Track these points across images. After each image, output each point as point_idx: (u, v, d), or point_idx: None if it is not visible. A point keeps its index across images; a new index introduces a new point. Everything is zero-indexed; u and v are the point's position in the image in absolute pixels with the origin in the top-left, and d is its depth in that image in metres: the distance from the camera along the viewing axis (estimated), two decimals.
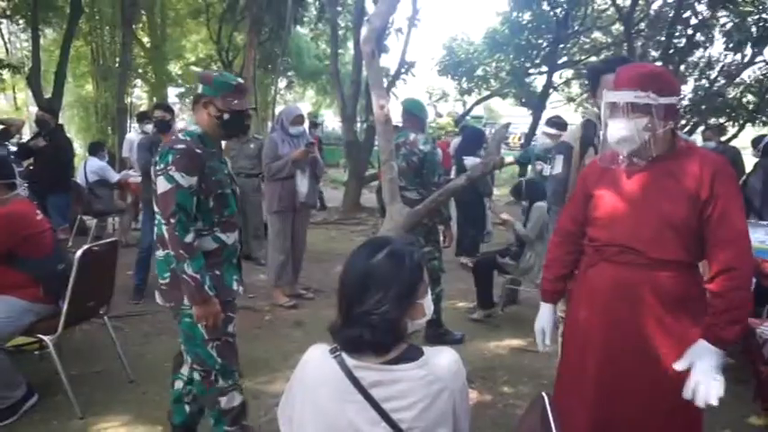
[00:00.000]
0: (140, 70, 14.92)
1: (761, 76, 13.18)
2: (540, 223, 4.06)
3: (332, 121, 21.96)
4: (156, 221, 2.06)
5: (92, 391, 3.00)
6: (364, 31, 3.82)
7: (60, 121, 6.72)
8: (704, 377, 1.57)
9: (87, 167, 6.46)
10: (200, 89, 2.14)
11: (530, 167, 4.83)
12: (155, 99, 14.09)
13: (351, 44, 15.98)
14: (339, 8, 12.02)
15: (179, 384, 2.42)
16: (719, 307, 1.60)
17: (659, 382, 1.70)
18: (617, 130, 1.70)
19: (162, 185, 2.00)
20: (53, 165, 5.50)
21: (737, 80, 12.71)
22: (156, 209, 2.05)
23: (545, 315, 2.04)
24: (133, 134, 8.03)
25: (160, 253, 2.10)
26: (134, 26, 11.90)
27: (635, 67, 1.82)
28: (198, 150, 2.05)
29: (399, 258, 1.24)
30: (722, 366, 1.61)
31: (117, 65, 12.01)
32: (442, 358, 1.23)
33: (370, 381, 1.19)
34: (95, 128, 13.76)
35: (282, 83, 18.29)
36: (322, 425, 1.22)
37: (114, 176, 6.62)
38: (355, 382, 1.19)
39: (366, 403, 1.18)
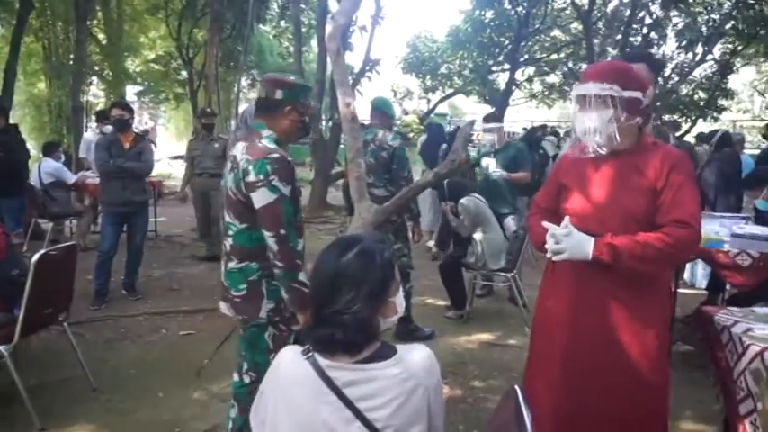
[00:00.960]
0: (96, 67, 14.43)
1: (711, 74, 13.73)
2: (471, 216, 4.27)
3: None
4: (234, 232, 1.99)
5: (52, 401, 2.89)
6: (329, 28, 3.79)
7: (12, 121, 6.44)
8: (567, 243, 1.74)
9: (42, 169, 6.20)
10: (278, 95, 2.03)
11: (477, 169, 4.93)
12: (112, 97, 13.65)
13: (314, 42, 15.85)
14: (302, 5, 11.92)
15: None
16: (648, 239, 1.68)
17: (623, 368, 1.75)
18: (583, 121, 1.76)
19: (265, 197, 1.89)
20: (5, 167, 5.26)
21: (689, 78, 13.20)
22: (229, 219, 1.99)
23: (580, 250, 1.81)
24: (90, 134, 7.78)
25: (234, 264, 2.01)
26: (89, 22, 11.48)
27: (604, 62, 1.88)
28: (289, 158, 1.98)
29: (370, 256, 1.24)
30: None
31: (71, 62, 11.59)
32: (416, 355, 1.23)
33: (343, 380, 1.18)
34: (49, 128, 13.25)
35: (245, 81, 17.98)
36: (296, 426, 1.20)
37: (71, 178, 6.38)
38: (329, 382, 1.18)
39: (340, 403, 1.17)
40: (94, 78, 15.00)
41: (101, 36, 14.13)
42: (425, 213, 6.02)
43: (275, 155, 1.93)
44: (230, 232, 2.00)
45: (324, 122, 12.19)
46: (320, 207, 9.79)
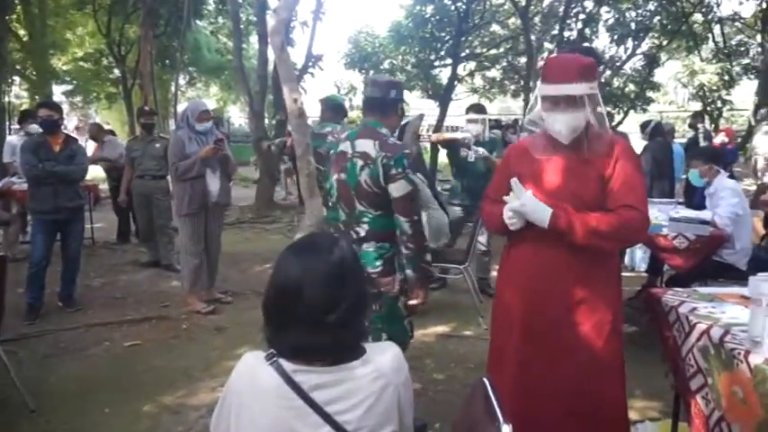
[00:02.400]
0: (17, 66, 13.52)
1: (640, 68, 14.45)
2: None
3: (238, 118, 21.23)
4: (369, 218, 2.26)
5: None
6: (272, 22, 3.71)
7: None
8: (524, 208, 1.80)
9: None
10: (392, 94, 2.34)
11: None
12: (37, 98, 12.83)
13: (253, 38, 15.49)
14: (240, 0, 11.59)
15: None
16: (600, 219, 1.74)
17: (578, 355, 1.80)
18: (562, 121, 1.78)
19: (403, 187, 2.20)
20: None
21: (621, 71, 13.85)
22: (363, 208, 2.25)
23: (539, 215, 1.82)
24: (14, 137, 7.25)
25: (369, 246, 2.29)
26: (7, 17, 10.72)
27: (569, 58, 1.88)
28: None
29: (350, 252, 1.21)
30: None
31: None
32: (385, 353, 1.20)
33: (311, 384, 1.13)
34: None
35: (182, 79, 17.36)
36: None
37: None
38: (295, 386, 1.12)
39: (307, 408, 1.12)
40: (16, 78, 14.05)
41: (22, 32, 13.23)
42: None
43: (407, 150, 2.29)
44: (365, 219, 2.28)
45: (267, 120, 11.95)
46: (267, 207, 9.59)
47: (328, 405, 1.12)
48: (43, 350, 3.61)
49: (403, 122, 3.59)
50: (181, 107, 12.22)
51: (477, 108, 4.85)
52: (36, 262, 4.14)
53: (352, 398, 1.13)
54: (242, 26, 11.81)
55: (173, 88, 14.57)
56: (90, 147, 8.23)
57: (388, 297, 2.31)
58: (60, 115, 4.35)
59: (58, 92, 16.35)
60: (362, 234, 2.29)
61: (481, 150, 4.45)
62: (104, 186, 7.84)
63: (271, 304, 1.19)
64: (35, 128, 4.97)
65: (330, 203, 2.46)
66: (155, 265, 5.63)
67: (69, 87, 16.81)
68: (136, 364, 3.39)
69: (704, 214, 3.60)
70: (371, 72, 15.82)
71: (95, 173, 7.99)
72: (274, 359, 1.15)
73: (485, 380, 1.28)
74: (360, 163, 2.23)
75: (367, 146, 2.24)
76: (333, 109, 3.94)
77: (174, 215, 5.00)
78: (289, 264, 1.19)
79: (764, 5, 13.34)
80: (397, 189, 2.20)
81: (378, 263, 2.28)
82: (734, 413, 1.61)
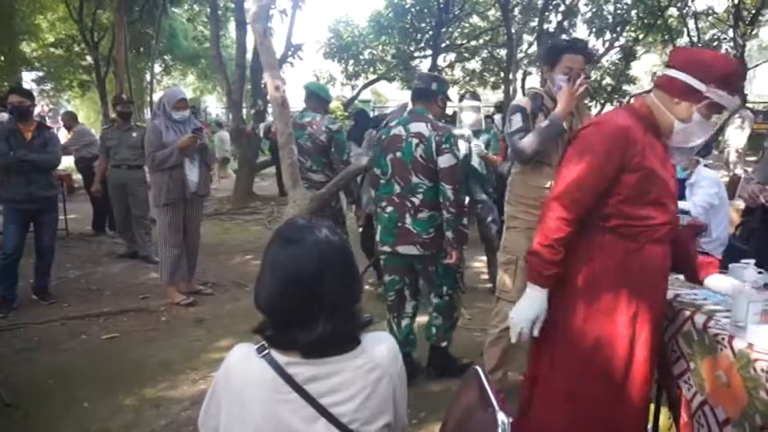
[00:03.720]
0: None
1: (616, 61, 14.64)
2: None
3: (215, 108, 20.90)
4: (423, 189, 2.70)
5: None
6: (253, 8, 3.63)
7: None
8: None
9: None
10: (434, 86, 2.83)
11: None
12: (6, 85, 12.41)
13: (231, 26, 15.21)
14: None
15: (406, 321, 3.06)
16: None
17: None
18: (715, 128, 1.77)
19: (450, 160, 2.66)
20: None
21: (598, 64, 14.01)
22: (418, 180, 2.70)
23: (539, 301, 1.75)
24: None
25: (424, 215, 2.73)
26: None
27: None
28: None
29: (336, 235, 1.17)
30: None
31: None
32: (380, 344, 1.18)
33: (305, 376, 1.10)
34: None
35: (158, 67, 16.99)
36: (252, 430, 1.11)
37: None
38: (288, 379, 1.09)
39: (302, 400, 1.09)
40: None
41: None
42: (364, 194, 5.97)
43: (454, 131, 2.99)
44: (420, 190, 2.71)
45: (245, 110, 11.78)
46: (246, 197, 9.49)
47: (322, 397, 1.10)
48: (18, 344, 3.52)
49: (387, 111, 3.58)
50: (157, 96, 11.98)
51: (474, 95, 4.56)
52: (9, 253, 4.02)
53: (347, 390, 1.11)
54: (219, 13, 11.59)
55: (148, 76, 14.27)
56: (62, 135, 8.03)
57: (441, 256, 2.76)
58: (32, 102, 4.22)
59: (27, 79, 15.87)
60: (417, 203, 2.73)
61: (482, 146, 4.19)
62: (78, 177, 7.65)
63: (281, 301, 1.11)
64: (4, 116, 4.81)
65: (384, 180, 2.84)
66: (132, 256, 5.53)
67: (40, 74, 16.29)
68: (114, 358, 3.32)
69: (683, 204, 3.67)
70: (351, 62, 15.73)
71: (68, 163, 7.78)
72: (266, 352, 1.12)
73: (477, 368, 1.28)
74: (415, 141, 2.69)
75: (420, 127, 2.71)
76: (317, 98, 3.89)
77: (151, 206, 4.91)
78: (281, 259, 1.13)
79: (736, 0, 13.60)
80: (444, 161, 2.65)
81: (431, 230, 2.74)
82: (717, 397, 1.63)
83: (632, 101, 1.94)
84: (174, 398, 2.86)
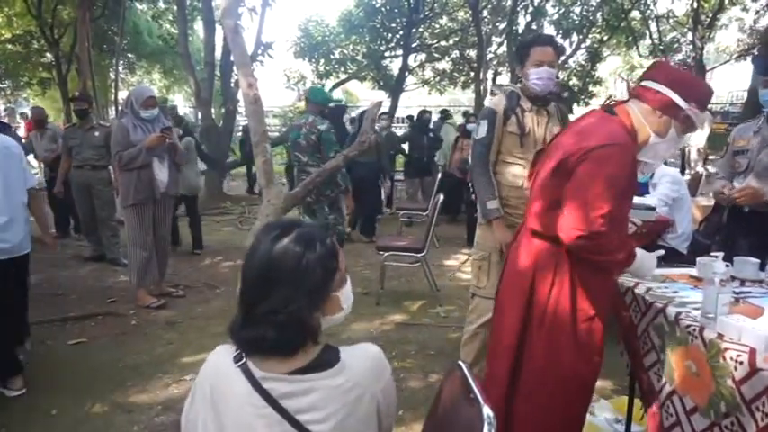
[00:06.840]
0: None
1: (583, 62, 14.97)
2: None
3: (183, 107, 20.46)
4: None
5: None
6: (223, 3, 3.56)
7: None
8: None
9: None
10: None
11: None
12: None
13: (198, 25, 14.91)
14: None
15: None
16: None
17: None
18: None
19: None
20: None
21: (565, 66, 14.29)
22: None
23: (648, 258, 1.88)
24: None
25: None
26: None
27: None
28: None
29: (309, 244, 1.10)
30: None
31: None
32: (362, 359, 1.12)
33: (280, 392, 1.05)
34: None
35: (122, 65, 16.55)
36: None
37: None
38: (264, 393, 1.05)
39: (278, 416, 1.04)
40: None
41: None
42: None
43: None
44: None
45: (214, 109, 11.59)
46: (216, 197, 9.34)
47: (299, 414, 1.05)
48: None
49: (361, 110, 3.65)
50: (122, 94, 11.67)
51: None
52: None
53: (324, 409, 1.05)
54: (186, 11, 11.36)
55: (112, 74, 13.89)
56: (21, 133, 7.72)
57: None
58: None
59: None
60: None
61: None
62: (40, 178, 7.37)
63: (243, 277, 1.11)
64: None
65: None
66: (99, 259, 5.37)
67: None
68: (82, 364, 3.22)
69: (650, 200, 3.76)
70: (322, 61, 15.63)
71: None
72: (243, 361, 1.08)
73: (461, 363, 1.28)
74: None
75: None
76: (314, 103, 4.27)
77: (118, 207, 4.77)
78: (248, 250, 1.13)
79: (695, 5, 14.07)
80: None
81: None
82: (685, 385, 1.68)
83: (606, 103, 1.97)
84: (146, 403, 2.78)
